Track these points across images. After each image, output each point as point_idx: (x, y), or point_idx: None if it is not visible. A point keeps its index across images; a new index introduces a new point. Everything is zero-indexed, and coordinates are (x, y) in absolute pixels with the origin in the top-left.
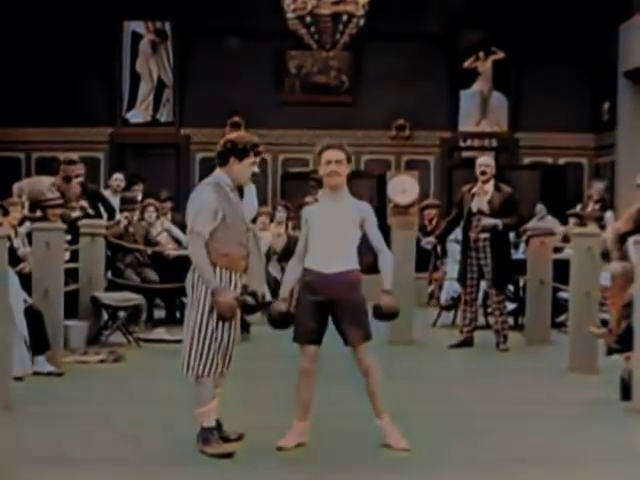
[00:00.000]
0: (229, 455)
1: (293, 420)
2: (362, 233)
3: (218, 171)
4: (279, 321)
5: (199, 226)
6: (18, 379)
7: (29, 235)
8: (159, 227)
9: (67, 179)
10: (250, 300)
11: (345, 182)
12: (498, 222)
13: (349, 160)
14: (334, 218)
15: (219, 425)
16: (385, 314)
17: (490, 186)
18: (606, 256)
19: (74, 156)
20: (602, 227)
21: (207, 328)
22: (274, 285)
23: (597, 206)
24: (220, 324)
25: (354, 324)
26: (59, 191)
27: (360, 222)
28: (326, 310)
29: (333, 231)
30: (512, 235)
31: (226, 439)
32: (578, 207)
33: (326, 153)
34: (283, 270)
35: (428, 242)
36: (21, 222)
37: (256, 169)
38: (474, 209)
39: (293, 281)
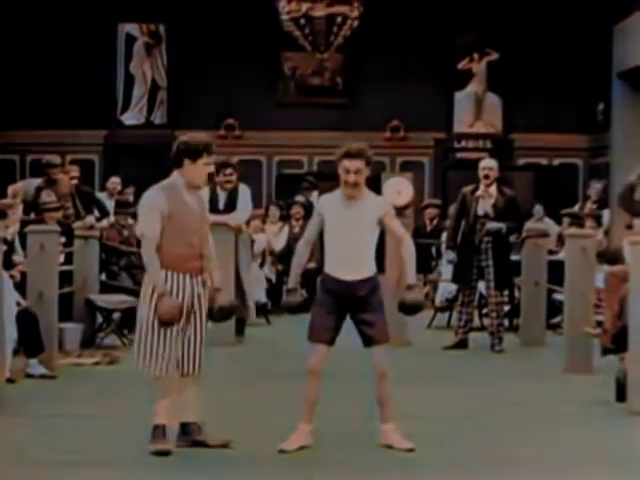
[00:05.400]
0: (165, 453)
1: (297, 422)
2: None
3: (175, 173)
4: (296, 310)
5: (149, 231)
6: (10, 381)
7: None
8: None
9: (50, 182)
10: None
11: (364, 186)
12: (502, 226)
13: (369, 163)
14: (353, 221)
15: (198, 428)
16: (410, 308)
17: (494, 189)
18: (602, 257)
19: (55, 159)
20: (599, 225)
21: (153, 327)
22: (269, 286)
23: (594, 206)
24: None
25: (373, 325)
26: None
27: (379, 219)
28: (344, 311)
29: (352, 236)
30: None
31: (200, 443)
32: (576, 207)
33: (345, 162)
34: (278, 272)
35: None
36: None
37: (211, 168)
38: (480, 212)
39: (302, 266)
